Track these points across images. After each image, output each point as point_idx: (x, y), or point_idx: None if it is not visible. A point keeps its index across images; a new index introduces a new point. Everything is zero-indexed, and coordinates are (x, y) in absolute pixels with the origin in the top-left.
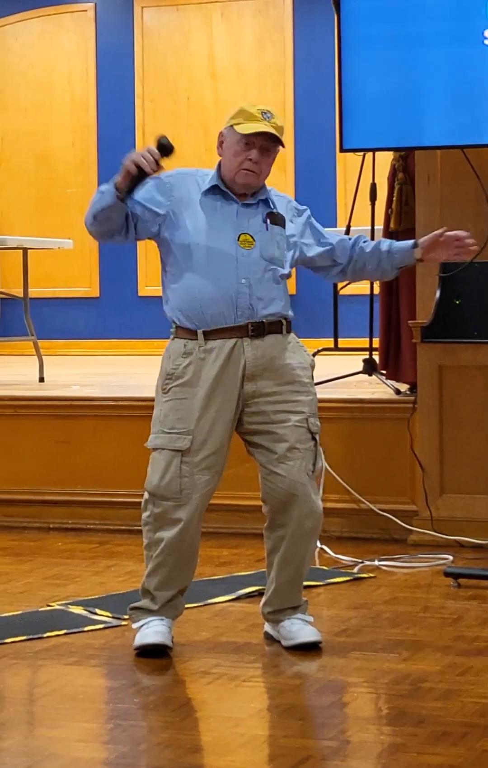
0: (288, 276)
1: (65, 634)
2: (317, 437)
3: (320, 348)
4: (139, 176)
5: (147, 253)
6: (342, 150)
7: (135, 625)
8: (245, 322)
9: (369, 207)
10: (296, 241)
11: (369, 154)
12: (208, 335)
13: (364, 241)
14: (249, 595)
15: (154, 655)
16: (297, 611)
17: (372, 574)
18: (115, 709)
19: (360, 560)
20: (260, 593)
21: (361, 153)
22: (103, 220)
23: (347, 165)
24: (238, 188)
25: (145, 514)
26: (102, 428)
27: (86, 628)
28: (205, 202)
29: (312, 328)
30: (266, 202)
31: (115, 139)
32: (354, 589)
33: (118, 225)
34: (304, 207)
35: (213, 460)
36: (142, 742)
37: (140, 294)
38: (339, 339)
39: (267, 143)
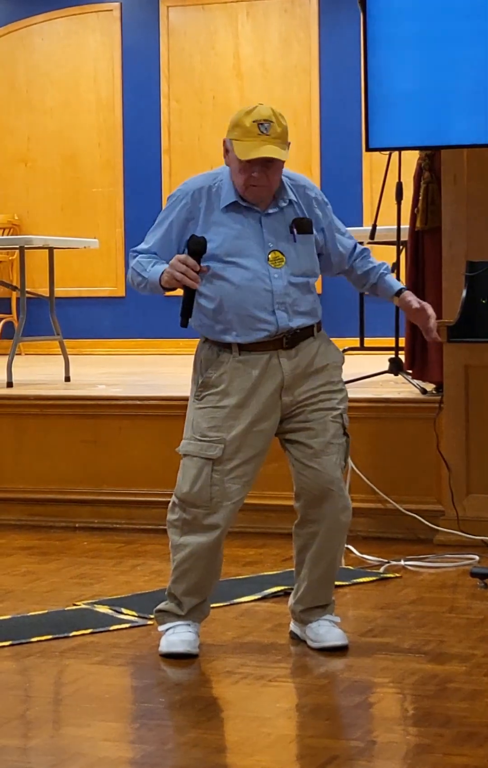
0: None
1: (91, 633)
2: (348, 433)
3: (346, 347)
4: (187, 292)
5: None
6: (368, 149)
7: (161, 628)
8: (280, 336)
9: (396, 206)
10: (325, 234)
11: (395, 153)
12: (242, 347)
13: (362, 258)
14: (275, 595)
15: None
16: (325, 611)
17: (398, 574)
18: (140, 709)
19: (386, 560)
20: (286, 593)
21: (387, 152)
22: (148, 294)
23: (373, 164)
24: (251, 201)
25: (172, 517)
26: (128, 428)
27: (112, 628)
28: (226, 219)
29: (338, 327)
30: (291, 204)
31: (141, 139)
32: (380, 589)
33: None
34: (323, 194)
35: (244, 469)
36: (168, 742)
37: (166, 293)
38: (365, 338)
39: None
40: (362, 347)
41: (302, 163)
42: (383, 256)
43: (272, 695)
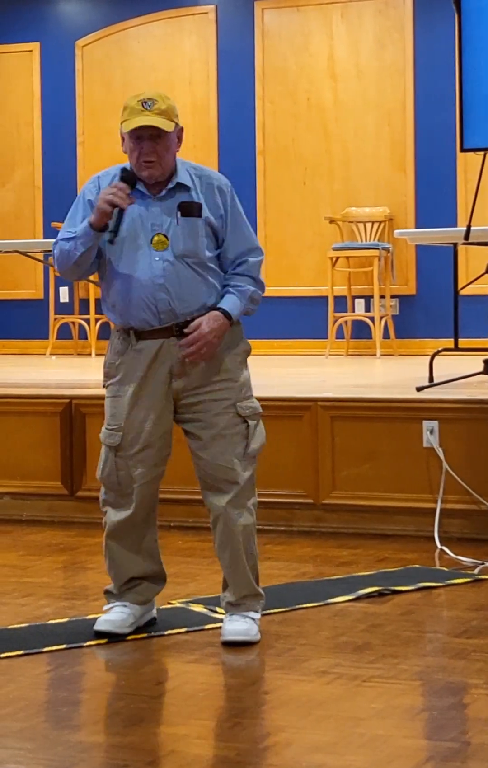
0: (214, 259)
1: (186, 632)
2: (250, 420)
3: (440, 348)
4: (117, 212)
5: (274, 250)
6: (462, 149)
7: (104, 608)
8: (170, 324)
9: None
10: (223, 221)
11: None
12: (139, 335)
13: (237, 276)
14: (369, 596)
15: (110, 639)
16: (239, 609)
17: None
18: (235, 708)
19: (480, 561)
20: (381, 594)
21: (482, 152)
22: (83, 262)
23: (468, 164)
24: (148, 181)
25: (100, 497)
26: None
27: (207, 627)
28: None
29: (432, 328)
30: (182, 187)
31: (236, 141)
32: (475, 591)
33: (92, 260)
34: (228, 185)
35: (147, 453)
36: (262, 741)
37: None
38: (459, 339)
39: (153, 131)
40: (456, 348)
41: (396, 164)
42: (478, 256)
43: (366, 695)
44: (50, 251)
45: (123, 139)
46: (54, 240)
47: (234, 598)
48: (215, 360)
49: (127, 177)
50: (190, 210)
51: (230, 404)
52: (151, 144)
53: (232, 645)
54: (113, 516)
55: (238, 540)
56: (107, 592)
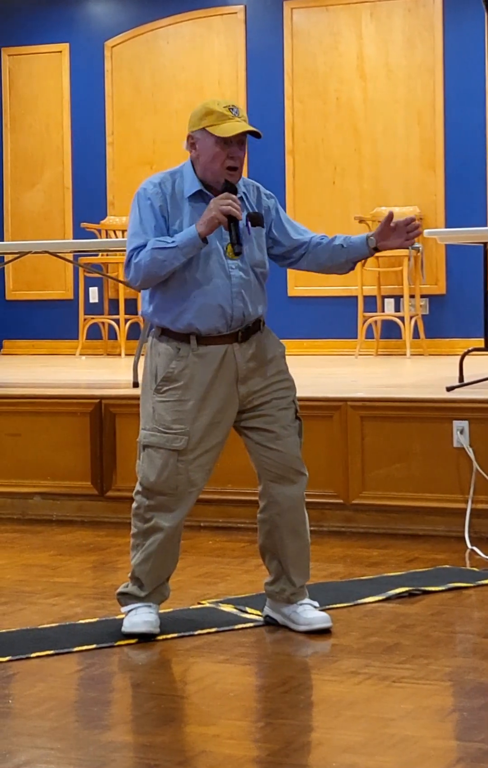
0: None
1: (216, 632)
2: (300, 417)
3: (470, 348)
4: (233, 223)
5: None
6: None
7: (123, 610)
8: (237, 330)
9: None
10: (279, 219)
11: None
12: (200, 340)
13: (321, 237)
14: (399, 596)
15: (142, 639)
16: (306, 596)
17: None
18: (265, 708)
19: None
20: (411, 594)
21: None
22: (169, 272)
23: None
24: (219, 187)
25: (138, 504)
26: None
27: (236, 627)
28: (189, 209)
29: (462, 328)
30: (243, 198)
31: (265, 141)
32: None
33: None
34: (270, 193)
35: (207, 458)
36: (293, 741)
37: (290, 294)
38: None
39: (242, 137)
40: (486, 348)
41: (426, 163)
42: None
43: (396, 696)
44: (80, 251)
45: (193, 143)
46: (133, 248)
47: (298, 586)
48: (274, 360)
49: (231, 188)
50: (258, 221)
51: (290, 401)
52: (239, 150)
53: (315, 633)
54: (165, 522)
55: (306, 528)
56: (126, 595)
